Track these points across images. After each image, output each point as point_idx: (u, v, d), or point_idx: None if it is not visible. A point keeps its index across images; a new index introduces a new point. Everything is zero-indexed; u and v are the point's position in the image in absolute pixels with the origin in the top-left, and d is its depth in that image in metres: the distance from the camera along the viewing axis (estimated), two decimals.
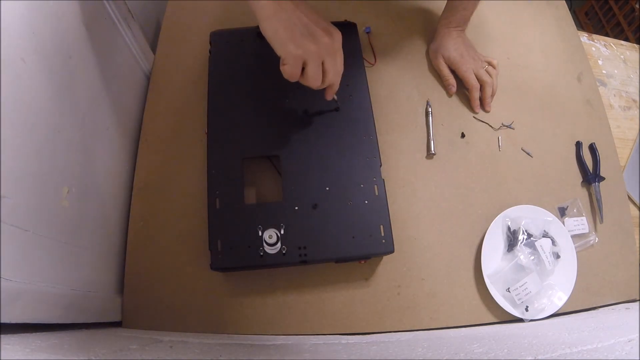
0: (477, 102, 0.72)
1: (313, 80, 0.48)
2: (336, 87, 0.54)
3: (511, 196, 0.67)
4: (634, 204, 0.74)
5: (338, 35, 0.48)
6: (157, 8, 0.81)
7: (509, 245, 0.62)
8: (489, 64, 0.72)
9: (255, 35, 0.66)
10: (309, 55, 0.46)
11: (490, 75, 0.71)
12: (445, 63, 0.73)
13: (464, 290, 0.61)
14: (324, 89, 0.53)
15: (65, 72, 0.49)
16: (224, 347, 0.48)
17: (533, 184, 0.68)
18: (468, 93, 0.72)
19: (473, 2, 0.70)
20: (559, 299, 0.60)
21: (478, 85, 0.71)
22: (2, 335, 0.35)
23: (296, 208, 0.56)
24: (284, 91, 0.63)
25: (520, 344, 0.44)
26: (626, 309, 0.63)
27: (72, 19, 0.51)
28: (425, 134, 0.70)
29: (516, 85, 0.76)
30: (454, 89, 0.73)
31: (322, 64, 0.48)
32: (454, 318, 0.60)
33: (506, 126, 0.72)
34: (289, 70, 0.46)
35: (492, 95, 0.72)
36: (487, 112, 0.73)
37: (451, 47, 0.71)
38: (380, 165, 0.59)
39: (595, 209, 0.68)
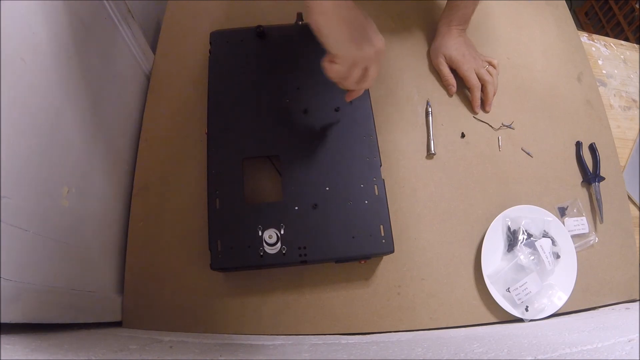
0: (479, 102, 0.72)
1: (352, 83, 0.47)
2: (361, 92, 0.53)
3: (511, 196, 0.67)
4: (634, 204, 0.74)
5: (383, 43, 0.47)
6: (157, 8, 0.81)
7: (509, 245, 0.62)
8: (490, 63, 0.72)
9: (255, 35, 0.66)
10: (363, 59, 0.44)
11: (491, 74, 0.71)
12: (446, 62, 0.72)
13: (464, 290, 0.61)
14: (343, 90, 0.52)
15: (65, 72, 0.49)
16: (224, 347, 0.48)
17: (533, 184, 0.68)
18: (469, 92, 0.72)
19: (473, 0, 0.70)
20: (559, 299, 0.60)
21: (479, 85, 0.71)
22: (2, 335, 0.35)
23: (296, 208, 0.56)
24: (284, 91, 0.63)
25: (520, 344, 0.44)
26: (626, 309, 0.63)
27: (72, 19, 0.51)
28: (425, 134, 0.70)
29: (516, 85, 0.76)
30: (454, 89, 0.72)
31: (367, 68, 0.46)
32: (454, 318, 0.60)
33: (506, 126, 0.72)
34: (340, 70, 0.45)
35: (493, 95, 0.72)
36: (487, 112, 0.73)
37: (452, 46, 0.71)
38: (380, 165, 0.59)
39: (595, 209, 0.68)
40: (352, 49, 0.43)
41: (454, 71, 0.72)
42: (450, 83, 0.72)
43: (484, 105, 0.72)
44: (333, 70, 0.45)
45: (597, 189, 0.68)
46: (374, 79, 0.49)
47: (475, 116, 0.72)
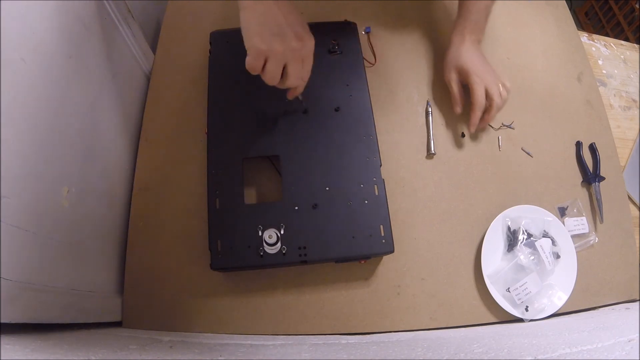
0: (476, 122, 0.66)
1: (269, 78, 0.48)
2: (299, 90, 0.55)
3: (511, 196, 0.67)
4: (634, 204, 0.74)
5: (310, 43, 0.48)
6: (157, 8, 0.81)
7: (509, 245, 0.62)
8: (502, 84, 0.65)
9: None
10: (271, 54, 0.46)
11: (501, 97, 0.64)
12: (458, 76, 0.67)
13: (464, 290, 0.61)
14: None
15: (65, 72, 0.49)
16: (224, 347, 0.48)
17: (533, 184, 0.68)
18: (471, 109, 0.66)
19: (484, 3, 0.66)
20: (559, 299, 0.60)
21: (484, 105, 0.65)
22: (2, 335, 0.35)
23: (296, 208, 0.56)
24: (284, 91, 0.63)
25: (520, 344, 0.44)
26: (626, 309, 0.63)
27: (72, 19, 0.51)
28: (425, 134, 0.70)
29: (516, 85, 0.75)
30: (460, 109, 0.68)
31: (286, 66, 0.48)
32: (454, 318, 0.60)
33: (506, 126, 0.72)
34: (249, 62, 0.46)
35: (494, 117, 0.67)
36: (480, 130, 0.69)
37: (466, 57, 0.66)
38: (380, 165, 0.59)
39: (595, 209, 0.68)
40: (256, 41, 0.45)
41: (465, 87, 0.67)
42: (457, 103, 0.67)
43: (480, 123, 0.66)
44: (246, 62, 0.47)
45: (597, 189, 0.68)
46: (300, 77, 0.51)
47: None
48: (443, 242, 0.64)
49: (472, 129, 0.67)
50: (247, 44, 0.46)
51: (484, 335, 0.53)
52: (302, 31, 0.47)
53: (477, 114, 0.65)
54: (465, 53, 0.66)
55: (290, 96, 0.56)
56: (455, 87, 0.67)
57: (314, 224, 0.56)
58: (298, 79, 0.51)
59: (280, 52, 0.46)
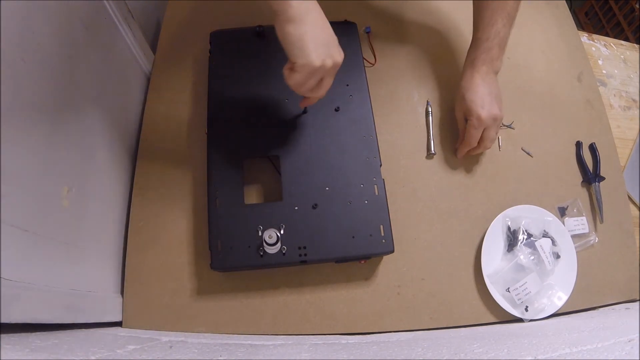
0: (462, 154, 0.67)
1: (305, 90, 0.48)
2: (315, 101, 0.53)
3: (511, 196, 0.67)
4: (634, 204, 0.74)
5: (342, 56, 0.48)
6: (157, 8, 0.81)
7: (509, 245, 0.62)
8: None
9: (255, 35, 0.66)
10: (321, 70, 0.45)
11: (492, 141, 0.64)
12: (463, 113, 0.64)
13: (464, 290, 0.61)
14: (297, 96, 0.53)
15: (65, 72, 0.49)
16: (224, 347, 0.48)
17: (533, 184, 0.68)
18: (459, 143, 0.67)
19: (496, 27, 0.61)
20: (559, 299, 0.60)
21: (473, 146, 0.64)
22: (2, 335, 0.35)
23: (296, 208, 0.56)
24: (284, 91, 0.63)
25: (520, 344, 0.44)
26: (626, 309, 0.63)
27: (72, 19, 0.51)
28: (425, 134, 0.70)
29: (516, 85, 0.75)
30: (461, 155, 0.67)
31: (322, 79, 0.48)
32: (454, 318, 0.60)
33: (506, 126, 0.72)
34: (299, 79, 0.45)
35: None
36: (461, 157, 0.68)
37: (472, 93, 0.62)
38: (380, 165, 0.59)
39: (595, 209, 0.68)
40: (313, 58, 0.44)
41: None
42: (460, 141, 0.66)
43: (463, 153, 0.67)
44: (292, 78, 0.46)
45: (597, 189, 0.68)
46: (327, 89, 0.50)
47: None
48: (443, 242, 0.64)
49: (458, 156, 0.68)
50: (300, 59, 0.44)
51: (484, 335, 0.53)
52: (338, 45, 0.47)
53: (463, 150, 0.66)
54: (474, 89, 0.62)
55: (304, 105, 0.56)
56: (461, 126, 0.66)
57: (314, 224, 0.56)
58: (325, 91, 0.50)
59: (328, 69, 0.46)
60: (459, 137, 0.67)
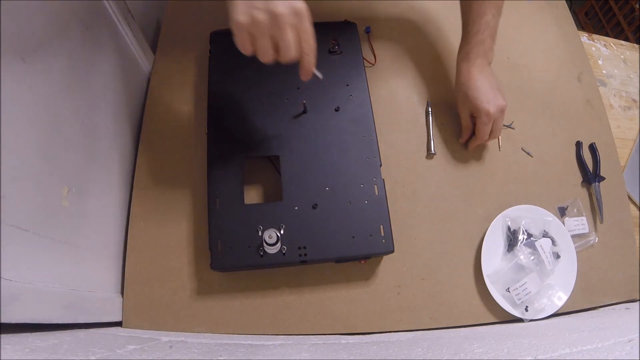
0: (474, 148, 0.68)
1: (261, 54, 0.43)
2: (308, 66, 0.45)
3: (511, 196, 0.67)
4: (634, 204, 0.74)
5: (298, 4, 0.41)
6: (157, 8, 0.81)
7: (509, 245, 0.62)
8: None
9: None
10: (254, 26, 0.40)
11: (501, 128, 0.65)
12: (468, 109, 0.64)
13: (464, 290, 0.61)
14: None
15: (65, 71, 0.49)
16: (224, 347, 0.48)
17: (533, 184, 0.68)
18: (464, 137, 0.68)
19: (486, 18, 0.61)
20: (559, 299, 0.60)
21: (486, 139, 0.65)
22: (2, 335, 0.35)
23: (296, 208, 0.56)
24: (284, 91, 0.63)
25: (520, 344, 0.44)
26: (626, 309, 0.63)
27: (72, 19, 0.51)
28: (425, 134, 0.70)
29: (516, 85, 0.75)
30: (464, 142, 0.69)
31: (276, 38, 0.42)
32: (454, 318, 0.60)
33: (506, 126, 0.72)
34: (237, 42, 0.42)
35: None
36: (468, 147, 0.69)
37: (474, 88, 0.62)
38: (380, 165, 0.59)
39: (595, 209, 0.68)
40: (238, 16, 0.40)
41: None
42: (464, 137, 0.68)
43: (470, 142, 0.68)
44: (235, 41, 0.42)
45: (597, 189, 0.68)
46: (290, 48, 0.42)
47: None
48: (443, 242, 0.64)
49: (470, 149, 0.68)
50: (231, 22, 0.41)
51: (484, 335, 0.53)
52: (289, 3, 0.41)
53: (474, 144, 0.67)
54: (476, 86, 0.62)
55: (303, 76, 0.47)
56: (465, 123, 0.67)
57: (314, 224, 0.56)
58: (294, 50, 0.43)
59: (265, 22, 0.40)
60: (463, 131, 0.68)
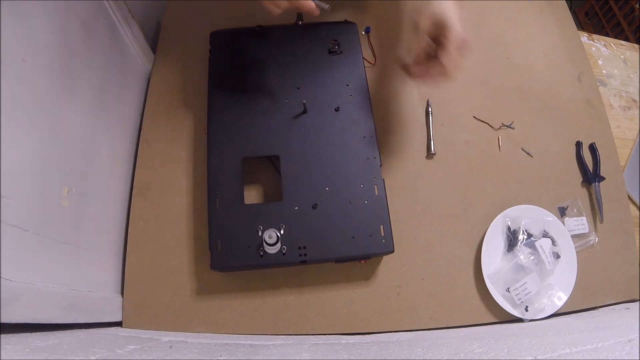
0: (417, 75, 0.54)
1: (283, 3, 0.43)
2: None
3: (511, 196, 0.67)
4: (634, 204, 0.74)
5: None
6: (157, 8, 0.81)
7: (509, 245, 0.62)
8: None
9: (255, 35, 0.66)
10: None
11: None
12: (432, 25, 0.52)
13: (464, 290, 0.61)
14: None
15: (65, 71, 0.49)
16: (224, 347, 0.48)
17: (533, 184, 0.68)
18: (416, 59, 0.54)
19: None
20: (559, 299, 0.60)
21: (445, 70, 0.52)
22: (2, 335, 0.35)
23: (296, 208, 0.56)
24: (284, 91, 0.63)
25: (520, 344, 0.44)
26: (626, 309, 0.63)
27: (72, 19, 0.51)
28: (425, 134, 0.70)
29: (516, 85, 0.75)
30: (416, 73, 0.54)
31: None
32: (454, 318, 0.60)
33: (506, 126, 0.72)
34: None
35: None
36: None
37: (443, 4, 0.52)
38: (380, 165, 0.59)
39: (595, 209, 0.68)
40: None
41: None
42: (418, 61, 0.54)
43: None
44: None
45: (597, 189, 0.68)
46: None
47: (475, 116, 0.72)
48: (443, 242, 0.64)
49: (416, 76, 0.54)
50: None
51: (484, 335, 0.53)
52: None
53: (427, 70, 0.53)
54: (446, 4, 0.52)
55: (308, 11, 0.47)
56: (422, 40, 0.53)
57: (314, 224, 0.56)
58: None
59: None
60: (416, 52, 0.54)
